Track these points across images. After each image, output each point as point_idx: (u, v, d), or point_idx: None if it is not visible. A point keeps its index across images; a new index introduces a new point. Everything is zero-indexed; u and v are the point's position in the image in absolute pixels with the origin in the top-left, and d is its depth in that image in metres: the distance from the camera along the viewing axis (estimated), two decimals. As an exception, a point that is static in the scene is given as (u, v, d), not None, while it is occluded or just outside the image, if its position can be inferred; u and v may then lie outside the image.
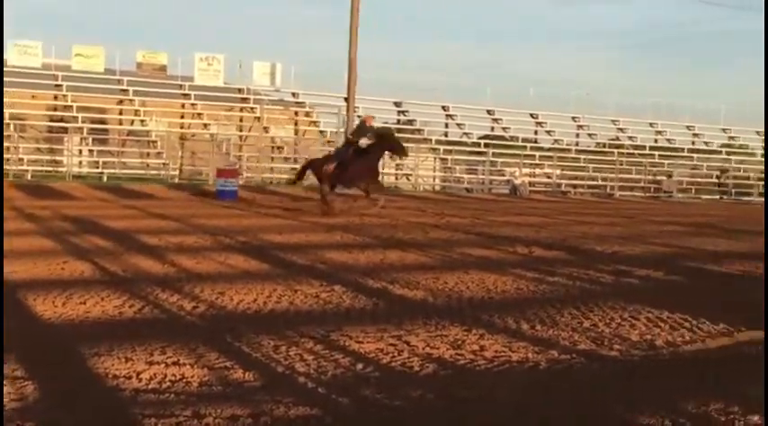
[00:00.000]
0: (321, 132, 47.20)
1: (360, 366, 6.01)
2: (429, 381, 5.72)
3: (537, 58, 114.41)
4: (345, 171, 21.06)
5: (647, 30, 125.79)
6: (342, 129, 41.99)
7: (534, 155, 48.66)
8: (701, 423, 4.85)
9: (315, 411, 4.92)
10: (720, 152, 54.67)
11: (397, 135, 23.83)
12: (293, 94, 47.08)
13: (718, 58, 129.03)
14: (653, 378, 5.97)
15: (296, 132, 47.29)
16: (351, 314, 8.09)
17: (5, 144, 34.52)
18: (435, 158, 47.54)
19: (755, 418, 4.95)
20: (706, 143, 55.81)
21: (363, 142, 21.44)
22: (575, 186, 47.36)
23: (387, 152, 22.57)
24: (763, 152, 55.31)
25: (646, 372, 6.16)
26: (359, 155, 21.20)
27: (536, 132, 52.43)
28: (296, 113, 47.55)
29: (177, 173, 39.68)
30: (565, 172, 48.42)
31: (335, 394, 5.28)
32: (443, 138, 50.19)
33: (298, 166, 44.23)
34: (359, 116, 28.88)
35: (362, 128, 22.02)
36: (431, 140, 48.91)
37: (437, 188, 44.96)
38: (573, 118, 53.21)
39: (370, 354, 6.36)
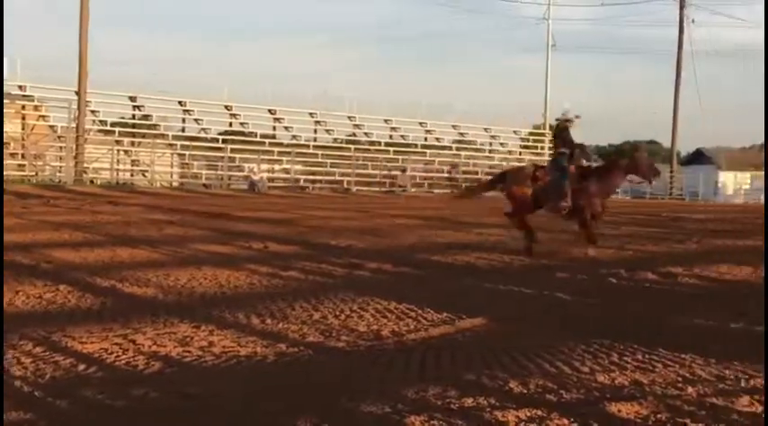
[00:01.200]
0: (51, 127, 45.28)
1: (81, 367, 5.81)
2: (154, 379, 5.61)
3: (272, 54, 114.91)
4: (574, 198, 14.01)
5: (382, 27, 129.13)
6: (73, 124, 40.56)
7: (273, 151, 48.83)
8: (418, 408, 5.00)
9: (29, 415, 4.71)
10: (451, 148, 56.88)
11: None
12: (20, 87, 44.84)
13: (447, 56, 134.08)
14: (377, 368, 6.12)
15: (23, 127, 45.11)
16: (75, 314, 7.82)
17: None
18: (173, 154, 46.79)
19: (469, 400, 5.17)
20: (438, 139, 57.90)
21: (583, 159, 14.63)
22: (313, 182, 47.96)
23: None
24: (490, 147, 58.11)
25: (371, 362, 6.30)
26: (591, 178, 14.26)
27: (274, 128, 52.58)
28: (23, 107, 45.33)
29: None
30: (303, 167, 48.91)
31: (53, 397, 5.08)
32: (181, 134, 49.45)
33: (35, 163, 42.81)
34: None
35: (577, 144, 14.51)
36: (168, 136, 48.07)
37: (175, 184, 44.23)
38: (310, 114, 53.76)
39: (94, 354, 6.17)
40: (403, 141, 55.72)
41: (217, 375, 5.81)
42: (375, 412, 4.97)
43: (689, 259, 13.49)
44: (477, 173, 52.67)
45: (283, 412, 4.95)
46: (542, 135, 61.18)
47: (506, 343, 6.92)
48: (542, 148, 60.15)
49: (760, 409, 5.13)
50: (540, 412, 4.95)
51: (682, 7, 54.01)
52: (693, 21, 53.79)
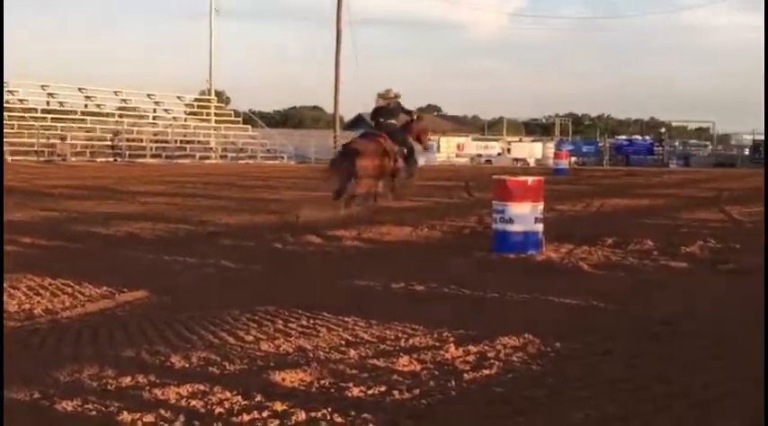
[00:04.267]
0: None
1: None
2: None
3: None
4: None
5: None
6: None
7: None
8: (72, 391, 4.65)
9: None
10: (114, 115, 54.98)
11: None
12: None
13: (105, 20, 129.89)
14: (27, 350, 5.70)
15: None
16: None
17: None
18: None
19: (128, 380, 4.87)
20: (99, 106, 55.77)
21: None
22: (-38, 151, 44.79)
23: None
24: (154, 114, 56.93)
25: (21, 344, 5.85)
26: None
27: None
28: None
29: None
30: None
31: None
32: None
33: None
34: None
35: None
36: None
37: None
38: (-42, 79, 50.11)
39: None
40: (61, 108, 53.19)
41: None
42: (22, 399, 4.57)
43: (352, 221, 13.76)
44: (141, 140, 51.40)
45: None
46: (208, 101, 60.66)
47: (169, 316, 6.68)
48: (208, 115, 59.65)
49: (419, 367, 5.22)
50: (202, 387, 4.74)
51: (340, -25, 55.09)
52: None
